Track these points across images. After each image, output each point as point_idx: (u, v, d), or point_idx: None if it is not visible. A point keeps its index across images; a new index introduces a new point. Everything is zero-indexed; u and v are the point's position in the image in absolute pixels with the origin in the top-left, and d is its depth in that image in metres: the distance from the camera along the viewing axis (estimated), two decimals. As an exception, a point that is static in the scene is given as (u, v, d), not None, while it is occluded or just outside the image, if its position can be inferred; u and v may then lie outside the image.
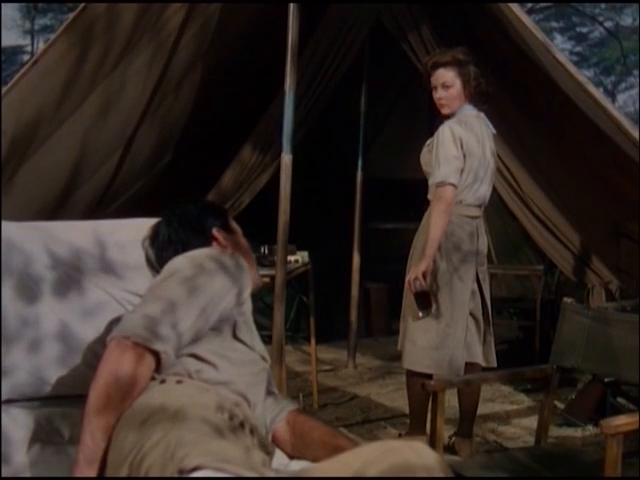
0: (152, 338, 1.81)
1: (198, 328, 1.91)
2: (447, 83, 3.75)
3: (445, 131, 3.70)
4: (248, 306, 2.09)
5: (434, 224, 3.65)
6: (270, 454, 1.94)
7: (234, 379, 1.94)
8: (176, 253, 2.10)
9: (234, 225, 2.28)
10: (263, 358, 2.09)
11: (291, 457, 2.13)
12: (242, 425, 1.83)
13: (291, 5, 3.92)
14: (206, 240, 2.17)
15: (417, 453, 1.60)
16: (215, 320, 1.95)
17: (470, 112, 3.80)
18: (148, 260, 2.25)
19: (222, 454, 1.64)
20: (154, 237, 2.23)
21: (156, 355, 1.82)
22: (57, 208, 4.63)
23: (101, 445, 1.76)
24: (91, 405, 1.77)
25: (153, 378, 1.85)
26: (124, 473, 1.70)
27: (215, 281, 1.95)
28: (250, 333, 2.07)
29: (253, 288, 2.14)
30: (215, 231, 2.19)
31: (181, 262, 2.02)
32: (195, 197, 2.33)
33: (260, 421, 2.00)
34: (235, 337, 2.01)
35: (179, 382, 1.87)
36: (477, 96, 3.80)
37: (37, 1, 17.61)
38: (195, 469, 1.60)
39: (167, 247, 2.17)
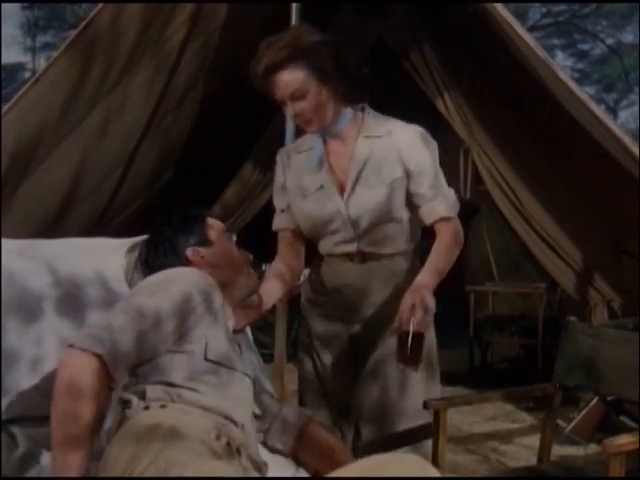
0: (92, 342, 1.74)
1: (144, 340, 1.83)
2: (298, 92, 2.39)
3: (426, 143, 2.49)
4: (224, 324, 2.04)
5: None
6: (262, 472, 1.92)
7: (217, 401, 1.89)
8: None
9: (213, 235, 2.19)
10: (246, 375, 2.04)
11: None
12: (229, 445, 1.80)
13: (293, 5, 3.87)
14: (181, 262, 2.12)
15: (420, 467, 1.60)
16: (171, 339, 1.89)
17: (357, 114, 2.52)
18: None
19: (216, 474, 1.63)
20: (138, 259, 2.24)
21: (100, 359, 1.73)
22: (57, 225, 4.63)
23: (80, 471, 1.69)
24: (55, 433, 1.69)
25: (133, 405, 1.82)
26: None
27: (167, 300, 1.90)
28: (231, 352, 2.01)
29: (248, 294, 2.18)
30: (189, 253, 2.13)
31: (143, 283, 2.02)
32: (171, 212, 2.23)
33: (250, 440, 1.96)
34: (207, 359, 1.94)
35: (163, 407, 1.84)
36: (347, 87, 2.43)
37: (38, 1, 17.49)
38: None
39: (146, 270, 2.15)
